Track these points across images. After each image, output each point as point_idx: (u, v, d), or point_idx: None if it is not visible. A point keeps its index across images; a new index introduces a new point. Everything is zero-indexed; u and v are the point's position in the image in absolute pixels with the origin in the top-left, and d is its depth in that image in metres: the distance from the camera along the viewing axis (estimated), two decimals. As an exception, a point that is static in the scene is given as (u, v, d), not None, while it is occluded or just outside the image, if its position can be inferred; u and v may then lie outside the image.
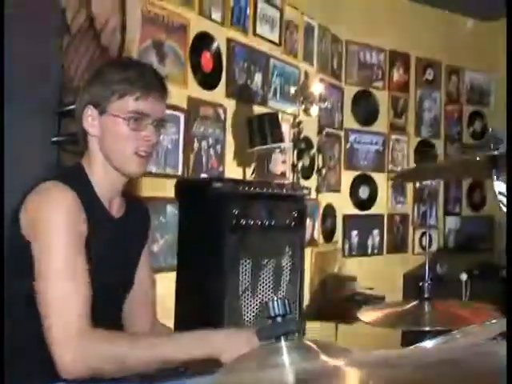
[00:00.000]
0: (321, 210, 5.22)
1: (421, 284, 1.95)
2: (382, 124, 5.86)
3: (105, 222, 1.72)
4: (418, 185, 6.03)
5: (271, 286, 2.91)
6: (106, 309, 1.70)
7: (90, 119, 1.70)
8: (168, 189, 3.44)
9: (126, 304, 1.86)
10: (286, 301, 0.77)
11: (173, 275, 3.23)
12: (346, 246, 5.60)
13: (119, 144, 1.68)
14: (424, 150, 5.99)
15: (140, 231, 1.90)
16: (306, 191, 3.18)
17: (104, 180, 1.72)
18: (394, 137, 5.93)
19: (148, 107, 1.67)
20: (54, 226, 1.56)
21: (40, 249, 1.56)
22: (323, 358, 0.72)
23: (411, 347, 1.00)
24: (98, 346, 1.49)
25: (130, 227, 1.81)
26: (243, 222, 2.81)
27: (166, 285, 3.11)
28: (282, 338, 0.74)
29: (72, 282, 1.54)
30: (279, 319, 0.74)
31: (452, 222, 6.31)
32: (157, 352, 1.52)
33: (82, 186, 1.67)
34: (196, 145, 3.79)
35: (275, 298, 0.76)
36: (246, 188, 2.86)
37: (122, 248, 1.78)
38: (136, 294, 1.87)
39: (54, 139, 2.51)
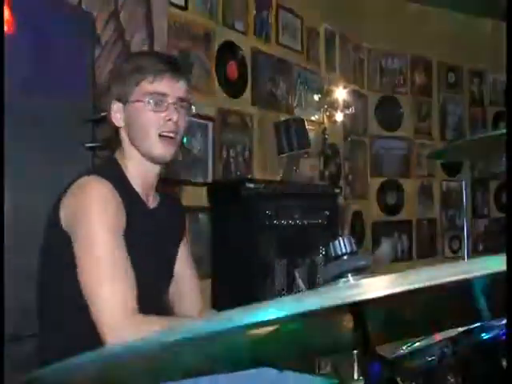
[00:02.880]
0: (349, 217, 5.22)
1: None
2: (406, 129, 5.87)
3: (141, 212, 1.74)
4: (444, 188, 6.01)
5: (306, 285, 2.92)
6: (145, 301, 1.72)
7: (116, 113, 1.75)
8: (199, 197, 3.48)
9: (172, 296, 1.88)
10: (352, 239, 0.76)
11: (207, 283, 3.25)
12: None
13: (143, 128, 1.71)
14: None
15: (175, 221, 1.91)
16: (337, 190, 3.20)
17: (138, 170, 1.75)
18: (418, 141, 5.93)
19: (164, 87, 1.70)
20: (96, 218, 1.58)
21: (82, 241, 1.58)
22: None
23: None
24: (146, 331, 1.50)
25: (164, 218, 1.83)
26: (276, 222, 2.83)
27: (202, 292, 3.12)
28: (350, 275, 0.72)
29: (116, 271, 1.56)
30: (346, 257, 0.74)
31: (481, 225, 6.27)
32: None
33: (117, 178, 1.69)
34: (225, 153, 3.83)
35: (340, 238, 0.75)
36: (279, 188, 2.88)
37: (159, 239, 1.80)
38: (180, 285, 1.89)
39: (89, 145, 2.56)
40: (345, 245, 0.74)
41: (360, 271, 0.72)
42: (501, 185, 6.27)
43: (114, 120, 1.75)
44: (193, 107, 1.79)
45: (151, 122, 1.70)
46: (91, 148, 2.57)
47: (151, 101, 1.69)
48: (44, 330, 1.72)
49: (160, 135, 1.70)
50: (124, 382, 0.78)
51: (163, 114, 1.69)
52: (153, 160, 1.74)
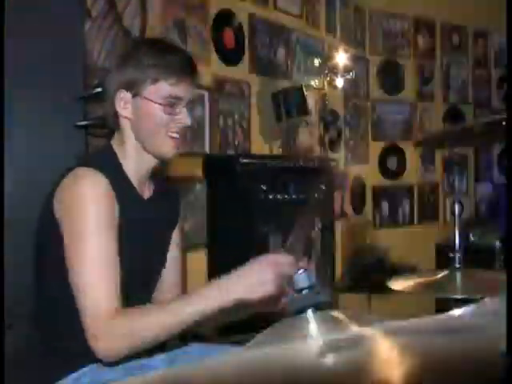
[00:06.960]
0: (350, 183, 5.20)
1: (451, 254, 1.94)
2: (408, 93, 5.80)
3: (135, 203, 1.74)
4: (446, 152, 5.97)
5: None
6: (139, 291, 1.73)
7: (123, 102, 1.71)
8: (196, 167, 3.46)
9: (158, 284, 1.88)
10: (312, 273, 0.74)
11: (203, 253, 3.27)
12: (377, 218, 5.58)
13: (153, 128, 1.69)
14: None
15: (169, 212, 1.91)
16: (333, 163, 3.17)
17: (135, 161, 1.74)
18: (421, 105, 5.86)
19: (181, 91, 1.68)
20: (87, 213, 1.57)
21: (72, 235, 1.58)
22: (353, 327, 0.71)
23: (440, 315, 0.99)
24: (126, 326, 1.51)
25: (158, 208, 1.83)
26: (272, 196, 2.81)
27: (197, 262, 3.15)
28: (310, 311, 0.71)
29: (102, 268, 1.55)
30: (305, 292, 0.74)
31: (483, 189, 6.24)
32: (177, 313, 1.49)
33: (112, 168, 1.68)
34: (222, 122, 3.79)
35: (299, 271, 0.74)
36: (274, 163, 2.86)
37: (153, 229, 1.80)
38: (167, 274, 1.89)
39: (80, 123, 2.52)
40: (303, 280, 0.73)
41: (320, 307, 0.71)
42: (504, 149, 6.21)
43: (118, 108, 1.72)
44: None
45: (163, 122, 1.69)
46: (83, 126, 2.54)
47: (167, 105, 1.68)
48: (40, 325, 1.74)
49: (169, 136, 1.70)
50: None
51: (176, 117, 1.69)
52: (156, 156, 1.75)
